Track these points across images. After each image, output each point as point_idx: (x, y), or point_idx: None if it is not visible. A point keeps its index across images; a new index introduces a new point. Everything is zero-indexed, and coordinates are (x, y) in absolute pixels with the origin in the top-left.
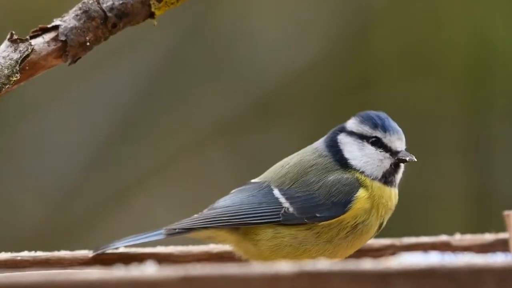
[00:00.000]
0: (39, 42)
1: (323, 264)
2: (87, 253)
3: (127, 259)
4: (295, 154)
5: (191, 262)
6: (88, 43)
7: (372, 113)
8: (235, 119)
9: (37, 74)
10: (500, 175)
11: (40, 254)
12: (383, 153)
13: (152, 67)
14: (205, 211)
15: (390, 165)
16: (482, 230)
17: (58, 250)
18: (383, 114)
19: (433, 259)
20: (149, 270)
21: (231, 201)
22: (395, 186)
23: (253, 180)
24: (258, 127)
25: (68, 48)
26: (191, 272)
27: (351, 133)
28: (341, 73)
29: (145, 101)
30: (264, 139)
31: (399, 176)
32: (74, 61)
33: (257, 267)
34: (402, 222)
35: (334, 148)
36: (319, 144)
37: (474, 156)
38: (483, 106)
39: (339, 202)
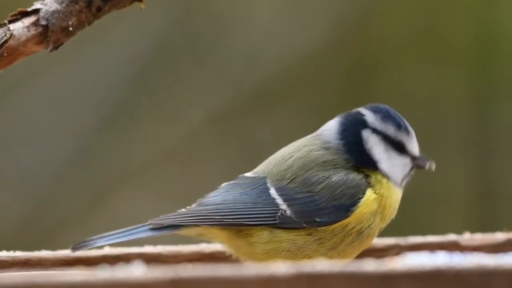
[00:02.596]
0: (18, 27)
1: (322, 265)
2: (69, 253)
3: (112, 259)
4: (299, 145)
5: (181, 262)
6: (71, 28)
7: (390, 109)
8: (229, 107)
9: (16, 61)
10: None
11: (19, 254)
12: (406, 158)
13: (140, 54)
14: (194, 206)
15: (409, 170)
16: (493, 229)
17: (39, 249)
18: (395, 110)
19: (441, 260)
20: (137, 271)
21: (222, 198)
22: (403, 187)
23: (247, 174)
24: (254, 115)
25: (50, 34)
26: (181, 274)
27: (375, 131)
28: (343, 59)
29: (132, 90)
30: (261, 128)
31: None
32: (56, 47)
33: (252, 269)
34: (408, 220)
35: (356, 146)
36: (331, 132)
37: (483, 149)
38: (489, 93)
39: (342, 205)
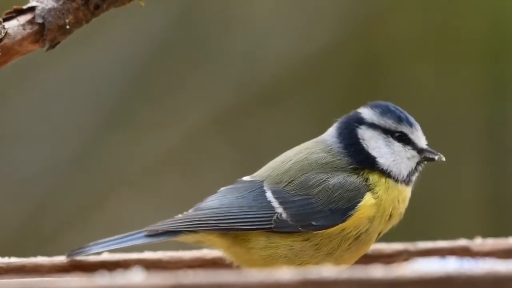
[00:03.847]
0: (13, 25)
1: (328, 271)
2: (67, 259)
3: (111, 265)
4: (299, 149)
5: (182, 269)
6: (68, 26)
7: (390, 104)
8: (232, 107)
9: (12, 61)
10: None
11: (14, 260)
12: (411, 150)
13: (140, 53)
14: (190, 212)
15: (416, 164)
16: (505, 234)
17: (35, 256)
18: (397, 106)
19: (451, 266)
20: (136, 278)
21: (218, 202)
22: (411, 185)
23: (244, 178)
24: (258, 116)
25: (46, 32)
26: (182, 280)
27: (373, 126)
28: (348, 58)
29: (132, 91)
30: (265, 129)
31: (417, 173)
32: (52, 46)
33: (256, 275)
34: (417, 225)
35: (354, 146)
36: (331, 136)
37: (495, 150)
38: (501, 91)
39: (339, 209)
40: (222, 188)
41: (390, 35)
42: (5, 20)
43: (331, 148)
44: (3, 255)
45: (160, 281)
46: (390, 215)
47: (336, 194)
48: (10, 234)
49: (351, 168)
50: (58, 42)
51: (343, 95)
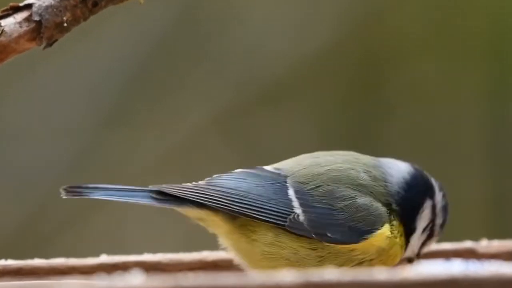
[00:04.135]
0: (9, 23)
1: (331, 273)
2: (65, 261)
3: (110, 267)
4: (343, 159)
5: (182, 271)
6: (65, 24)
7: (447, 200)
8: (233, 107)
9: (8, 59)
10: None
11: (11, 262)
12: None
13: (139, 52)
14: (202, 183)
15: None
16: (511, 235)
17: (32, 258)
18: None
19: (456, 268)
20: (135, 280)
21: (235, 183)
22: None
23: (266, 167)
24: (259, 115)
25: (43, 30)
26: (182, 283)
27: (433, 209)
28: (351, 56)
29: (131, 90)
30: (266, 128)
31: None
32: (49, 44)
33: (256, 277)
34: None
35: (412, 206)
36: (392, 177)
37: (500, 150)
38: (505, 90)
39: (358, 229)
40: (238, 170)
41: (391, 34)
42: (1, 17)
43: (384, 182)
44: (0, 257)
45: (160, 283)
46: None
47: (360, 214)
48: (6, 236)
49: (384, 203)
50: (56, 40)
51: (344, 94)
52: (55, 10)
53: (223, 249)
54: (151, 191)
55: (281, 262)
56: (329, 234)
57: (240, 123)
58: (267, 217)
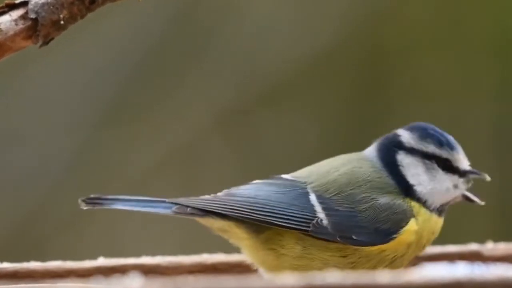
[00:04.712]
0: (5, 21)
1: (334, 276)
2: (61, 264)
3: (107, 270)
4: (343, 160)
5: (181, 274)
6: (62, 22)
7: (429, 126)
8: (235, 107)
9: (3, 57)
10: None
11: (7, 265)
12: (453, 176)
13: (138, 50)
14: (221, 195)
15: (453, 199)
16: None
17: (28, 261)
18: (434, 127)
19: (461, 271)
20: (134, 283)
21: (254, 192)
22: (443, 215)
23: (284, 176)
24: (261, 115)
25: (39, 28)
26: (181, 286)
27: (412, 151)
28: (355, 53)
29: (129, 90)
30: (268, 128)
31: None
32: (46, 43)
33: (258, 280)
34: None
35: (393, 169)
36: (373, 157)
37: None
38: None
39: (384, 230)
40: (256, 181)
41: (394, 33)
42: None
43: (375, 167)
44: None
45: (158, 286)
46: (426, 243)
47: (383, 215)
48: (2, 239)
49: (394, 191)
50: (52, 38)
51: (346, 94)
52: (51, 7)
53: (223, 251)
54: (172, 204)
55: None
56: (354, 237)
57: (240, 123)
58: (290, 223)
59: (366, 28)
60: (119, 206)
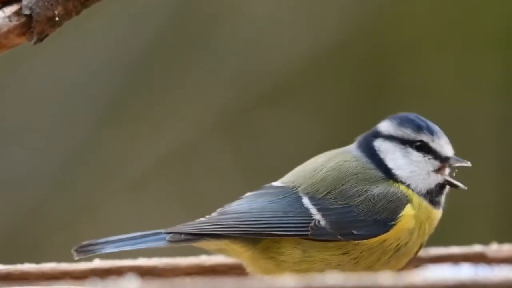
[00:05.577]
0: None
1: (334, 278)
2: (56, 266)
3: (103, 272)
4: (327, 156)
5: (179, 276)
6: (57, 18)
7: (410, 114)
8: (233, 106)
9: None
10: None
11: (0, 268)
12: (432, 160)
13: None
14: (214, 215)
15: (438, 182)
16: None
17: (22, 262)
18: (418, 115)
19: (465, 273)
20: (130, 285)
21: (248, 206)
22: (440, 207)
23: (274, 184)
24: (261, 114)
25: (34, 24)
26: None
27: (390, 138)
28: (358, 52)
29: (127, 90)
30: (268, 128)
31: (443, 195)
32: (40, 39)
33: (256, 282)
34: None
35: (374, 157)
36: (354, 149)
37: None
38: None
39: (382, 219)
40: (247, 194)
41: (397, 30)
42: None
43: (358, 159)
44: None
45: None
46: (427, 229)
47: (379, 205)
48: None
49: (382, 179)
50: (47, 35)
51: (348, 93)
52: (46, 3)
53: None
54: (165, 233)
55: None
56: (354, 232)
57: (240, 123)
58: (288, 231)
59: (367, 27)
60: (110, 250)
